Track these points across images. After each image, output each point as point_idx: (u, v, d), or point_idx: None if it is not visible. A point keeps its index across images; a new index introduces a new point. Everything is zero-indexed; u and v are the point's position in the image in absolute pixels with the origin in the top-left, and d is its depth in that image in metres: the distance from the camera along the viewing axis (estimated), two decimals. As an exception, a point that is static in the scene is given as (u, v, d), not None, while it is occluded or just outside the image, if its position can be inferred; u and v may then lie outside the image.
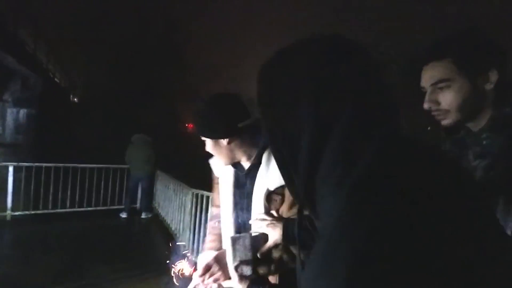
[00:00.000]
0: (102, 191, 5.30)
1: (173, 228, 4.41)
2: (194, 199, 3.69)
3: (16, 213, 4.62)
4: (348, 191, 0.32)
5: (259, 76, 0.43)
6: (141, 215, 5.26)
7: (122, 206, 5.33)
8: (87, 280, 2.94)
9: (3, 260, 3.30)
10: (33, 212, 4.74)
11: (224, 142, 0.96)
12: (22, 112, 7.60)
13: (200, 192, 3.60)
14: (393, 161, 0.33)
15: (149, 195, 5.47)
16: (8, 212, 4.58)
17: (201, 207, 3.53)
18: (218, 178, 1.16)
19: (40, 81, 7.98)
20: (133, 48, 14.60)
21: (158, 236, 4.52)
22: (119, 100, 13.65)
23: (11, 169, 4.68)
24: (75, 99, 16.02)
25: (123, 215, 5.17)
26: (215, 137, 0.97)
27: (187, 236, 3.74)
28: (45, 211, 4.82)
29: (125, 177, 5.52)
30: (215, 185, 1.19)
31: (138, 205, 5.68)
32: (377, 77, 0.39)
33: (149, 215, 5.29)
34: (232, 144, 0.98)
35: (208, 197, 3.40)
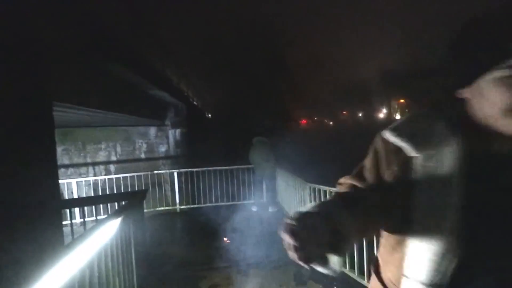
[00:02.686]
0: (236, 188, 6.14)
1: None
2: (312, 193, 3.74)
3: (182, 207, 6.03)
4: None
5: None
6: (268, 208, 5.75)
7: (253, 201, 6.00)
8: (234, 263, 3.48)
9: (177, 242, 4.37)
10: (192, 206, 6.06)
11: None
12: (178, 132, 9.87)
13: (317, 186, 3.61)
14: None
15: (272, 190, 5.91)
16: (177, 206, 6.02)
17: (319, 200, 3.53)
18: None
19: (185, 107, 10.13)
20: (245, 63, 16.32)
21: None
22: (240, 111, 15.49)
23: (176, 174, 6.12)
24: (209, 115, 19.35)
25: (254, 208, 5.80)
26: None
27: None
28: (200, 205, 6.05)
29: (251, 176, 6.21)
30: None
31: (264, 199, 6.26)
32: None
33: (275, 209, 5.71)
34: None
35: (325, 191, 3.37)
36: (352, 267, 2.93)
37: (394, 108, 36.37)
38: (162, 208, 5.94)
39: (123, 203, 2.63)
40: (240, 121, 14.80)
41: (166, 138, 9.70)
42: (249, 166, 6.15)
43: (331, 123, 46.83)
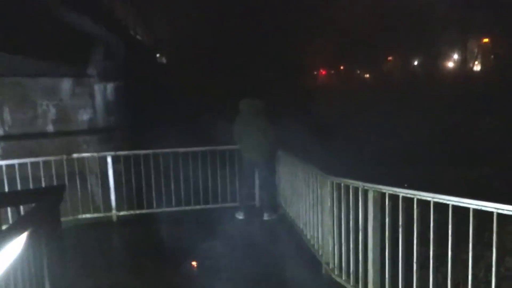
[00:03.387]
0: (210, 183, 6.24)
1: (308, 236, 4.76)
2: (335, 192, 3.85)
3: (121, 213, 6.11)
4: None
5: None
6: (262, 216, 5.89)
7: (237, 204, 6.11)
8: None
9: (115, 268, 4.48)
10: (137, 211, 6.14)
11: None
12: (110, 87, 9.70)
13: (343, 181, 3.71)
14: None
15: (271, 187, 6.03)
16: (113, 211, 6.10)
17: (346, 202, 3.65)
18: None
19: (123, 44, 9.90)
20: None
21: (287, 247, 4.99)
22: (218, 54, 15.26)
23: (109, 159, 6.13)
24: (164, 59, 19.04)
25: (239, 216, 5.94)
26: None
27: (330, 247, 3.98)
28: (151, 210, 6.15)
29: (236, 162, 6.30)
30: None
31: (257, 201, 6.38)
32: None
33: (273, 216, 5.86)
34: None
35: (356, 188, 3.48)
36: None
37: (472, 52, 36.49)
38: (88, 215, 6.01)
39: (29, 207, 2.65)
40: (218, 70, 14.63)
41: (90, 98, 9.56)
42: (232, 147, 6.22)
43: (367, 75, 46.94)
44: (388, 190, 3.09)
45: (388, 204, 3.11)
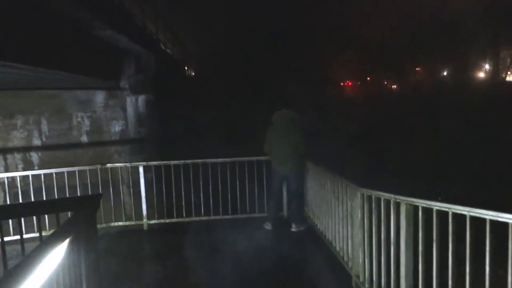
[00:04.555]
0: (239, 193, 6.27)
1: (337, 248, 4.68)
2: (366, 204, 3.79)
3: (152, 222, 6.21)
4: None
5: None
6: (290, 227, 5.86)
7: (265, 214, 6.11)
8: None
9: (145, 275, 4.53)
10: (166, 220, 6.23)
11: None
12: (141, 99, 9.91)
13: (374, 193, 3.64)
14: None
15: (299, 198, 6.00)
16: (144, 220, 6.19)
17: (377, 215, 3.58)
18: None
19: (154, 59, 10.10)
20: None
21: (316, 258, 4.95)
22: (247, 67, 15.37)
23: (141, 170, 6.25)
24: (193, 73, 19.34)
25: (268, 226, 5.92)
26: None
27: (360, 260, 3.91)
28: (180, 219, 6.24)
29: (265, 173, 6.31)
30: None
31: (285, 213, 6.35)
32: None
33: (301, 228, 5.82)
34: None
35: (387, 201, 3.41)
36: None
37: (505, 62, 35.44)
38: (120, 223, 6.12)
39: (66, 215, 2.72)
40: (246, 84, 14.73)
41: (122, 110, 9.76)
42: (261, 158, 6.24)
43: (395, 86, 46.24)
44: (422, 203, 3.01)
45: (422, 218, 3.03)
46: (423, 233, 3.04)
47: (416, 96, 30.03)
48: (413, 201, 3.10)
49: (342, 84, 45.31)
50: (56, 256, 1.92)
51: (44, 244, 1.87)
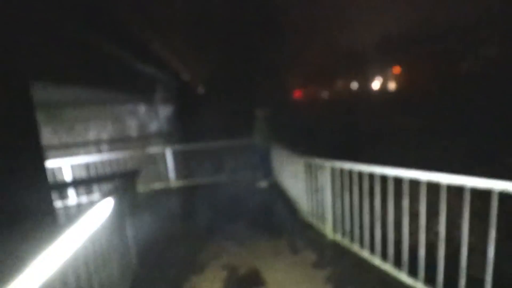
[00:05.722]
0: (235, 164, 6.18)
1: (290, 194, 4.70)
2: (306, 167, 3.78)
3: (177, 184, 6.10)
4: None
5: None
6: (261, 181, 5.82)
7: (256, 177, 6.00)
8: (226, 234, 3.59)
9: (175, 217, 4.46)
10: (187, 182, 6.13)
11: None
12: (168, 108, 9.67)
13: (312, 160, 3.63)
14: None
15: (268, 164, 5.94)
16: (172, 181, 6.08)
17: (315, 173, 3.58)
18: None
19: (175, 82, 9.85)
20: (238, 31, 15.56)
21: (275, 197, 4.95)
22: (234, 85, 15.10)
23: (169, 152, 6.09)
24: (202, 90, 18.85)
25: (262, 184, 5.71)
26: None
27: (304, 200, 3.92)
28: (195, 180, 6.14)
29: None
30: None
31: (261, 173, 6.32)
32: None
33: (269, 182, 5.77)
34: None
35: (320, 165, 3.40)
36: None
37: (388, 77, 35.89)
38: (157, 185, 5.99)
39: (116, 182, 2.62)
40: (236, 92, 14.46)
41: (156, 115, 9.54)
42: (245, 141, 6.13)
43: (325, 96, 46.08)
44: (338, 164, 2.99)
45: (340, 175, 3.03)
46: (339, 185, 3.05)
47: (337, 100, 30.09)
48: (334, 164, 3.10)
49: (291, 90, 44.68)
50: (105, 210, 1.84)
51: (94, 204, 1.77)
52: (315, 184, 3.52)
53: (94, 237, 1.70)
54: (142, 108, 9.41)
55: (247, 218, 4.08)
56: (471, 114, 11.34)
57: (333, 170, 3.14)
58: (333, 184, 3.16)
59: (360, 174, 2.67)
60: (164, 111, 9.70)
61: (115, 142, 8.90)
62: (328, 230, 3.28)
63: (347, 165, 2.81)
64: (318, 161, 3.36)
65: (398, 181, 2.30)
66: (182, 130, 9.81)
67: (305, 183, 3.79)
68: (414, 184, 2.18)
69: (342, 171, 2.93)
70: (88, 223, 1.63)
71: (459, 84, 19.07)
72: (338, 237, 3.13)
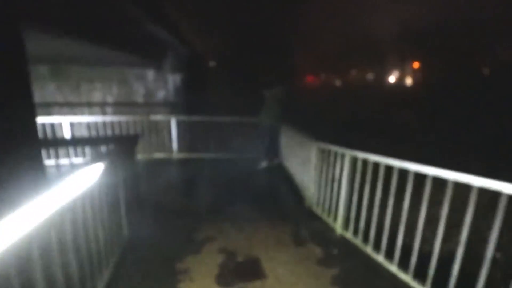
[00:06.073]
0: (238, 141, 5.85)
1: (296, 181, 4.40)
2: (320, 154, 3.45)
3: (179, 155, 5.83)
4: None
5: None
6: (266, 162, 5.52)
7: (257, 155, 5.68)
8: (225, 215, 3.35)
9: (174, 190, 4.22)
10: (188, 154, 5.86)
11: None
12: (177, 77, 9.25)
13: (326, 146, 3.29)
14: None
15: (275, 145, 5.59)
16: (175, 153, 5.81)
17: (327, 161, 3.26)
18: None
19: (186, 51, 9.34)
20: (254, 12, 14.77)
21: (280, 181, 4.67)
22: (246, 63, 14.50)
23: (173, 121, 5.77)
24: (213, 64, 18.19)
25: (262, 164, 5.42)
26: None
27: (312, 190, 3.63)
28: (198, 154, 5.86)
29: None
30: None
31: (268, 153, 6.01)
32: None
33: (273, 162, 5.46)
34: None
35: (335, 152, 3.06)
36: (355, 232, 2.77)
37: (407, 72, 34.48)
38: (159, 154, 5.73)
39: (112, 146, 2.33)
40: (245, 71, 13.94)
41: (164, 83, 9.15)
42: (252, 119, 5.76)
43: (338, 83, 44.80)
44: (362, 155, 2.66)
45: (359, 165, 2.70)
46: (360, 176, 2.72)
47: (350, 89, 29.10)
48: (356, 154, 2.75)
49: (304, 77, 43.62)
50: (95, 174, 1.58)
51: (86, 164, 1.50)
52: (328, 173, 3.19)
53: (75, 203, 1.48)
54: (150, 74, 9.02)
55: (249, 200, 3.82)
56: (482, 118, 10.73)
57: (354, 160, 2.79)
58: (351, 176, 2.83)
59: (389, 169, 2.32)
60: (173, 80, 9.28)
61: (120, 106, 8.62)
62: (338, 225, 2.99)
63: (373, 157, 2.46)
64: (336, 148, 3.02)
65: (436, 182, 1.95)
66: (190, 102, 9.43)
67: (316, 171, 3.47)
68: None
69: (366, 162, 2.58)
70: (70, 188, 1.40)
71: (480, 85, 18.18)
72: (348, 234, 2.85)
